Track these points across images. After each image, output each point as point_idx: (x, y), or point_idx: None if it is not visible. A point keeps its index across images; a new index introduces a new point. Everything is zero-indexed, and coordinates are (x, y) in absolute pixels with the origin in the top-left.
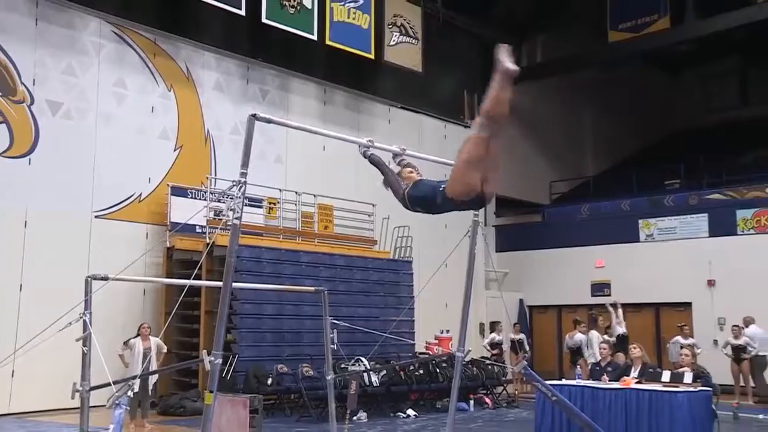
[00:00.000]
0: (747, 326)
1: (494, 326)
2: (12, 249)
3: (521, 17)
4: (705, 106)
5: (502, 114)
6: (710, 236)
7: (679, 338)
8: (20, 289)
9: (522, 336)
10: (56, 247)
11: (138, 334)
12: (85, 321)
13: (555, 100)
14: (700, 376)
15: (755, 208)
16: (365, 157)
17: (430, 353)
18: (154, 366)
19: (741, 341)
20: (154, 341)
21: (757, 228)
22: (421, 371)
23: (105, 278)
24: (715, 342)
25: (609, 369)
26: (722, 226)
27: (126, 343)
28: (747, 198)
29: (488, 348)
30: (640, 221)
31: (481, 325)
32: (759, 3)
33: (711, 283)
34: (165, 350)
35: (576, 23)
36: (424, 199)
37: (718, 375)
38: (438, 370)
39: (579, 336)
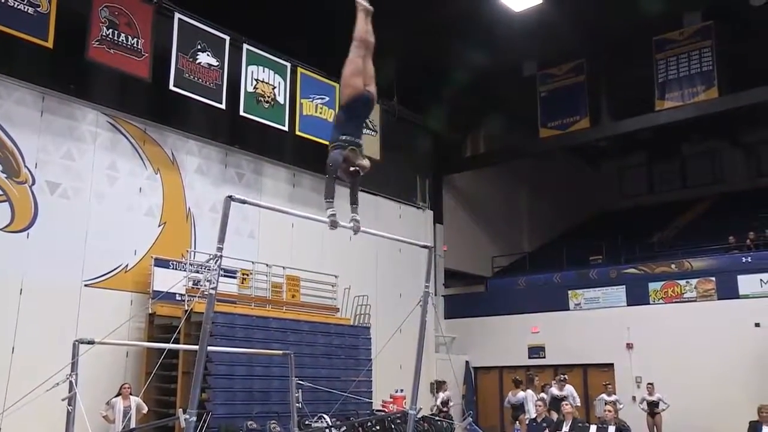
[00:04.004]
0: (564, 386)
1: (440, 385)
2: (7, 315)
3: (466, 114)
4: (620, 193)
5: (368, 39)
6: (628, 305)
7: (603, 395)
8: (12, 352)
9: (447, 394)
10: (48, 313)
11: (119, 394)
12: (71, 382)
13: (496, 186)
14: (622, 429)
15: (663, 281)
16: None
17: (386, 411)
18: (133, 424)
19: (654, 397)
20: (135, 400)
21: (665, 299)
22: (378, 427)
23: (91, 342)
24: (634, 398)
25: (544, 424)
26: (637, 296)
27: (108, 402)
28: (656, 273)
29: (440, 406)
30: (570, 292)
31: (432, 384)
32: (658, 111)
33: (629, 346)
34: (145, 410)
35: (512, 121)
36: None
37: (636, 427)
38: (393, 426)
39: (521, 394)
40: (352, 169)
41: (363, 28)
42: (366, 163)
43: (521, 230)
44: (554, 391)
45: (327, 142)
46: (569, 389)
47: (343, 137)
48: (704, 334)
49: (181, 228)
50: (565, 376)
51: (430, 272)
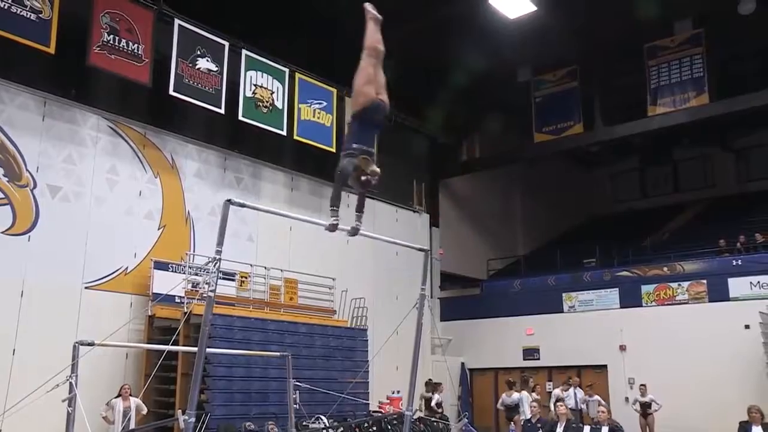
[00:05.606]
0: (568, 389)
1: (436, 387)
2: (8, 316)
3: (461, 119)
4: (613, 197)
5: (378, 47)
6: (621, 307)
7: (586, 396)
8: (13, 353)
9: (436, 396)
10: (49, 315)
11: (119, 395)
12: (71, 383)
13: (491, 190)
14: (615, 429)
15: (656, 284)
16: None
17: (383, 412)
18: (133, 425)
19: (647, 398)
20: (134, 401)
21: (658, 301)
22: (375, 428)
23: (91, 344)
24: (626, 399)
25: (539, 425)
26: (630, 298)
27: (108, 403)
28: (649, 275)
29: (435, 408)
30: (564, 294)
31: (426, 383)
32: (650, 116)
33: (622, 348)
34: (144, 411)
35: (507, 125)
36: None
37: (629, 428)
38: (390, 427)
39: (516, 395)
40: (363, 178)
41: (374, 36)
42: (377, 170)
43: (516, 233)
44: (557, 392)
45: (325, 147)
46: (570, 391)
47: (355, 146)
48: (696, 336)
49: (180, 231)
50: (572, 380)
51: (426, 275)
